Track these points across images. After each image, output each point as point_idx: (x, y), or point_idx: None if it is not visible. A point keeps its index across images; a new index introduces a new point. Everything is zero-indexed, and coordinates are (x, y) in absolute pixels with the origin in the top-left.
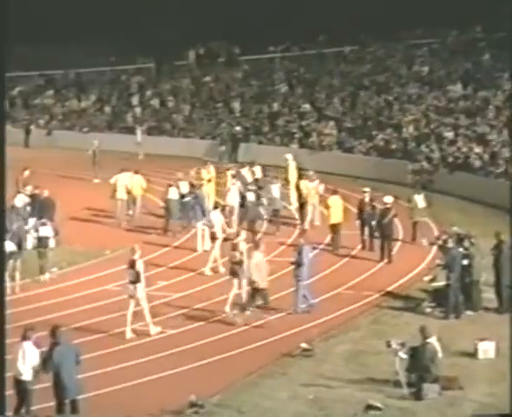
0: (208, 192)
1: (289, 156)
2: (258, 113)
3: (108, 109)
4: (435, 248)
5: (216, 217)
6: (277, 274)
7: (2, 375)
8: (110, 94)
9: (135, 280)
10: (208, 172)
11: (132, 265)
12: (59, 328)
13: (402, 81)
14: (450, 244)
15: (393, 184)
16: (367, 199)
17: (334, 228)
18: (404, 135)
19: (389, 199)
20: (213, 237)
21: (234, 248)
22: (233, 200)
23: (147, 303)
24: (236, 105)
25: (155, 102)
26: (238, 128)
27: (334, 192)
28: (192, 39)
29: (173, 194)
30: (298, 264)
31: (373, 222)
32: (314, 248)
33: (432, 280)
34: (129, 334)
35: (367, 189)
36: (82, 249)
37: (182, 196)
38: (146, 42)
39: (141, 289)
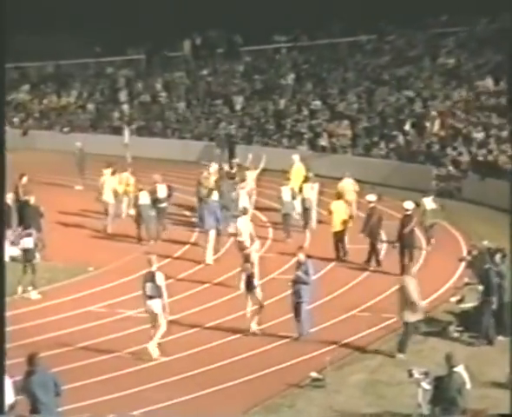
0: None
1: (295, 157)
2: (262, 111)
3: (91, 106)
4: (463, 264)
5: (244, 225)
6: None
7: (1, 376)
8: (94, 89)
9: (156, 294)
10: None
11: (150, 278)
12: (37, 355)
13: (425, 74)
14: (481, 260)
15: (416, 192)
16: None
17: (338, 237)
18: (428, 136)
19: (409, 205)
20: (242, 249)
21: (247, 259)
22: (243, 204)
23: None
24: (237, 102)
25: (146, 99)
26: (233, 127)
27: (338, 196)
28: (187, 27)
29: (144, 199)
30: (303, 283)
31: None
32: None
33: (460, 300)
34: (156, 353)
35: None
36: (63, 265)
37: (158, 201)
38: (135, 30)
39: (160, 305)
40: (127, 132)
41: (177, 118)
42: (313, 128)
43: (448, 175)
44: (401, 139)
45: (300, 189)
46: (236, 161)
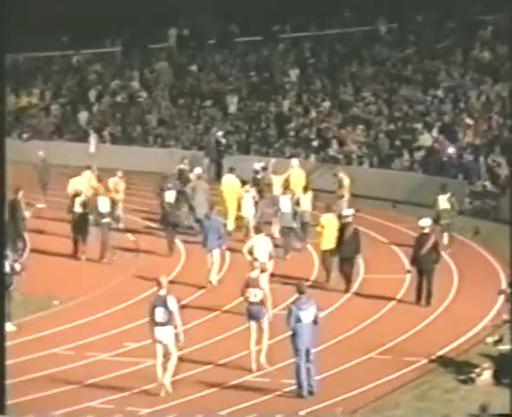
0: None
1: (295, 162)
2: (261, 114)
3: (56, 107)
4: (502, 297)
5: (263, 243)
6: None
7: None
8: (60, 87)
9: (167, 321)
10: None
11: (161, 302)
12: None
13: (456, 70)
14: None
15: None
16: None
17: (327, 256)
18: (460, 144)
19: (426, 222)
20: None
21: (253, 284)
22: (248, 211)
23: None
24: (232, 103)
25: (122, 99)
26: (220, 133)
27: (328, 209)
28: (172, 13)
29: (79, 206)
30: (293, 332)
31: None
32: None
33: (498, 341)
34: (169, 388)
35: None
36: (22, 298)
37: (100, 215)
38: (110, 16)
39: (172, 334)
40: (93, 139)
41: (160, 122)
42: (322, 134)
43: (483, 192)
44: (427, 147)
45: (297, 202)
46: (261, 164)
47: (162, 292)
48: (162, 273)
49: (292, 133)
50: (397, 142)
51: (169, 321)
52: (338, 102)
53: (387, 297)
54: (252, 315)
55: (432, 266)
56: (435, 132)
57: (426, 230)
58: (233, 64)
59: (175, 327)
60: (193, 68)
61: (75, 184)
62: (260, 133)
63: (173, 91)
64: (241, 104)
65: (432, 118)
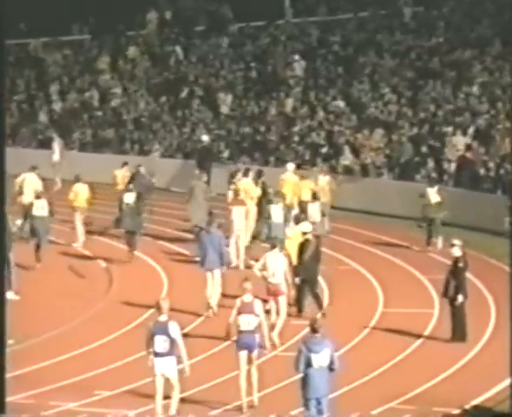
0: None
1: (290, 166)
2: (260, 114)
3: (11, 106)
4: None
5: (277, 260)
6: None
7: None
8: (14, 82)
9: (169, 351)
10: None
11: (162, 330)
12: None
13: (493, 63)
14: None
15: (480, 231)
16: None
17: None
18: (499, 153)
19: (457, 252)
20: (274, 294)
21: (246, 309)
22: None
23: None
24: (224, 102)
25: (91, 96)
26: (205, 137)
27: (296, 219)
28: None
29: (38, 210)
30: (303, 378)
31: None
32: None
33: None
34: None
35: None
36: None
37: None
38: None
39: (175, 365)
40: (57, 145)
41: (137, 124)
42: (333, 139)
43: None
44: (459, 156)
45: (303, 209)
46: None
47: (163, 317)
48: (143, 298)
49: (296, 138)
50: (423, 149)
51: (171, 351)
52: (352, 100)
53: (412, 333)
54: (243, 345)
55: (464, 294)
56: (468, 138)
57: (457, 254)
58: (226, 55)
59: (178, 358)
60: (178, 59)
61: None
62: (259, 137)
63: (154, 88)
64: (235, 103)
65: (465, 121)
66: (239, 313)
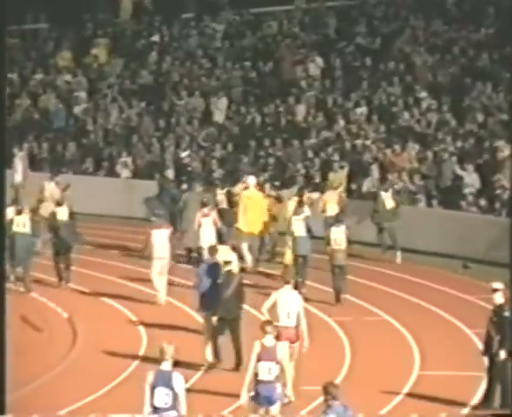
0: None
1: (251, 180)
2: (263, 122)
3: None
4: None
5: (290, 299)
6: None
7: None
8: None
9: (170, 406)
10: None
11: (164, 381)
12: None
13: None
14: None
15: None
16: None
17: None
18: None
19: (499, 298)
20: (290, 340)
21: (267, 355)
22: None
23: None
24: (218, 108)
25: (47, 101)
26: (185, 153)
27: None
28: None
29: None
30: None
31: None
32: None
33: None
34: None
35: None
36: None
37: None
38: None
39: None
40: (19, 161)
41: (107, 138)
42: (356, 156)
43: None
44: None
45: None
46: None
47: (166, 366)
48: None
49: (310, 153)
50: (469, 169)
51: (174, 407)
52: (380, 107)
53: (455, 401)
54: (262, 398)
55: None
56: None
57: (500, 300)
58: (220, 50)
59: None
60: (158, 54)
61: None
62: (262, 152)
63: (127, 91)
64: (232, 109)
65: None
66: (259, 359)
